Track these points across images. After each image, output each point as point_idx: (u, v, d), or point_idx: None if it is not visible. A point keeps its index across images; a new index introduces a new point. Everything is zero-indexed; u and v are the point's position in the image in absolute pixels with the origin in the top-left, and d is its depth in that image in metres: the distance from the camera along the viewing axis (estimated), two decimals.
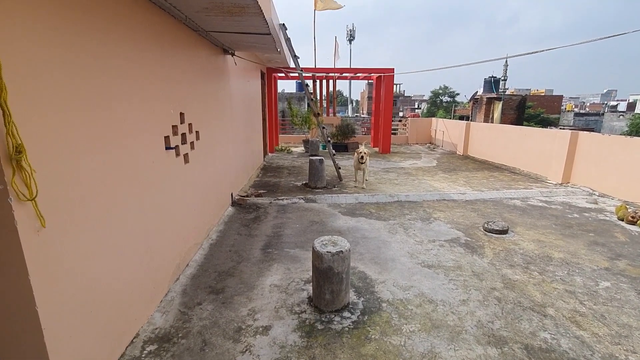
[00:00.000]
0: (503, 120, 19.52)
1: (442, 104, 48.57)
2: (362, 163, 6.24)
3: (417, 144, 13.80)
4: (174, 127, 3.02)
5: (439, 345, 2.28)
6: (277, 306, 2.71)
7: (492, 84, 21.47)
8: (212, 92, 4.25)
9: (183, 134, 3.24)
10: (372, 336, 2.36)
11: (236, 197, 5.45)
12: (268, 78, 9.92)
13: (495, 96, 19.67)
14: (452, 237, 4.14)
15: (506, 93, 23.31)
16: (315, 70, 10.71)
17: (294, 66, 7.07)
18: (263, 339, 2.32)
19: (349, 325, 2.47)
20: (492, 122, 20.20)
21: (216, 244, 3.86)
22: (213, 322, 2.51)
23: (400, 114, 45.01)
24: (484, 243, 3.96)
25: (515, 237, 4.15)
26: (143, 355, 2.17)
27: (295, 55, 6.43)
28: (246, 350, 2.22)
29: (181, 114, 3.19)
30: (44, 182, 1.51)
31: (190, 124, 3.41)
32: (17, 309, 1.46)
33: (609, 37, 3.88)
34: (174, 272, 3.00)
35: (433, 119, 14.16)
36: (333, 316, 2.57)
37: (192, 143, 3.46)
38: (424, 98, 61.71)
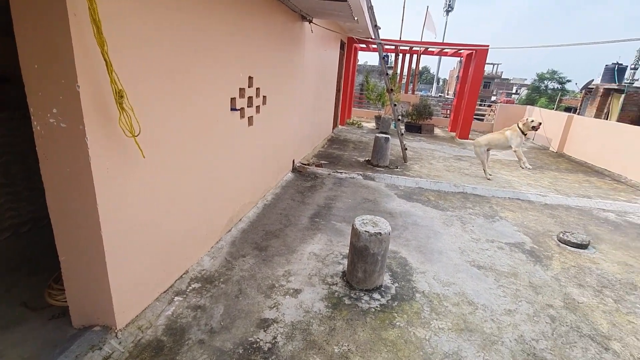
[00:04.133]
0: (622, 118, 16.29)
1: (546, 91, 42.29)
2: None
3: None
4: (241, 89, 3.17)
5: (467, 349, 2.14)
6: (312, 273, 2.80)
7: (615, 72, 17.80)
8: (285, 59, 4.32)
9: (250, 98, 3.39)
10: (397, 323, 2.31)
11: (297, 164, 5.62)
12: (348, 48, 9.69)
13: (617, 87, 16.40)
14: (515, 240, 3.73)
15: (633, 85, 19.17)
16: (398, 42, 10.11)
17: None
18: (291, 300, 2.45)
19: (376, 307, 2.46)
20: (606, 118, 17.05)
21: (270, 205, 4.09)
22: (251, 275, 2.71)
23: (494, 98, 40.51)
24: (553, 254, 3.50)
25: (595, 255, 3.57)
26: (188, 290, 2.47)
27: (376, 25, 6.12)
28: (274, 307, 2.36)
29: (250, 78, 3.32)
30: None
31: (258, 88, 3.54)
32: (86, 233, 1.75)
33: None
34: (227, 223, 3.28)
35: (528, 107, 12.48)
36: (362, 295, 2.57)
37: (257, 107, 3.61)
38: (526, 82, 54.34)
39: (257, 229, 3.49)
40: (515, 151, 5.77)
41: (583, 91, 19.46)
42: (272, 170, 4.48)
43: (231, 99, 3.00)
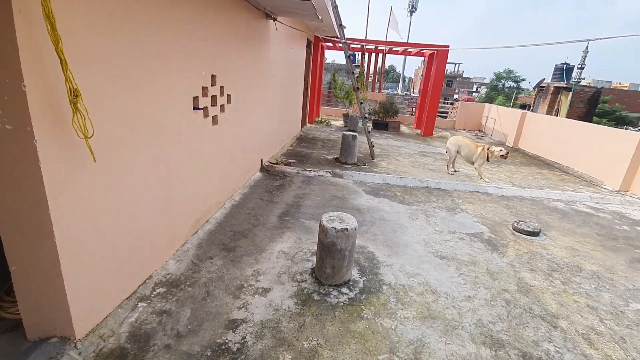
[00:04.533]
0: (570, 114, 17.61)
1: (503, 90, 44.76)
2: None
3: (464, 130, 13.01)
4: (204, 88, 3.11)
5: (430, 335, 2.25)
6: (281, 272, 2.81)
7: (564, 71, 19.22)
8: (250, 57, 4.28)
9: (213, 96, 3.33)
10: (365, 315, 2.39)
11: (266, 164, 5.58)
12: (315, 47, 9.73)
13: (565, 86, 17.70)
14: (475, 231, 3.95)
15: (580, 83, 20.80)
16: (363, 41, 10.29)
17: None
18: (260, 300, 2.45)
19: (345, 301, 2.52)
20: (556, 114, 18.33)
21: (238, 206, 4.04)
22: (219, 276, 2.68)
23: (456, 96, 42.23)
24: (508, 242, 3.74)
25: (546, 241, 3.86)
26: (152, 295, 2.40)
27: (341, 25, 6.20)
28: (243, 307, 2.35)
29: (213, 76, 3.26)
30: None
31: (222, 87, 3.49)
32: (37, 240, 1.65)
33: None
34: (193, 225, 3.21)
35: (486, 104, 13.17)
36: (331, 290, 2.62)
37: (222, 106, 3.55)
38: (485, 81, 57.16)
39: (225, 229, 3.44)
40: (475, 168, 6.10)
41: (536, 89, 20.80)
42: (239, 169, 4.43)
43: (193, 97, 2.93)
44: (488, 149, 5.84)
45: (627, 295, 2.96)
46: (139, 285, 2.44)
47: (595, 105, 18.50)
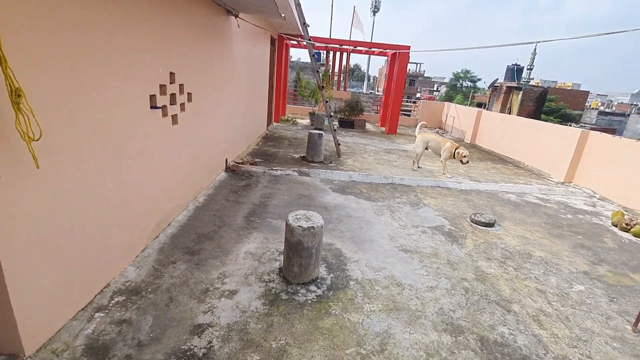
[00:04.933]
0: (520, 112, 18.84)
1: (461, 89, 47.04)
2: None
3: (426, 127, 13.50)
4: (162, 86, 2.98)
5: (395, 327, 2.33)
6: (248, 273, 2.78)
7: (514, 72, 20.57)
8: (210, 54, 4.16)
9: (172, 95, 3.21)
10: (333, 311, 2.42)
11: (231, 163, 5.47)
12: (279, 45, 9.65)
13: (516, 85, 18.91)
14: (436, 224, 4.13)
15: (530, 83, 22.32)
16: (327, 40, 10.36)
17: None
18: (227, 302, 2.40)
19: (313, 298, 2.54)
20: (509, 112, 19.53)
21: (202, 207, 3.93)
22: (183, 281, 2.59)
23: (418, 95, 43.75)
24: (466, 234, 3.95)
25: (500, 232, 4.12)
26: (110, 305, 2.27)
27: (304, 23, 6.20)
28: (208, 311, 2.30)
29: (171, 74, 3.14)
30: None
31: (181, 85, 3.37)
32: None
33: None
34: (153, 229, 3.08)
35: (446, 103, 13.76)
36: (299, 288, 2.63)
37: (182, 104, 3.43)
38: (445, 81, 59.69)
39: (189, 232, 3.34)
40: (441, 161, 6.39)
41: (490, 89, 22.01)
42: (203, 170, 4.31)
43: (150, 96, 2.81)
44: (457, 148, 6.12)
45: (571, 278, 3.24)
46: (96, 295, 2.31)
47: (543, 104, 19.95)
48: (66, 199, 1.96)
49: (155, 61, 2.83)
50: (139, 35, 2.56)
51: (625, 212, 5.04)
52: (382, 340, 2.20)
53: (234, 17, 4.79)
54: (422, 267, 3.12)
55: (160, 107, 2.96)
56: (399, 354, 2.10)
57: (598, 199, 5.91)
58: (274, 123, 10.54)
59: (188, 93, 3.55)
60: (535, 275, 3.22)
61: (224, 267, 2.83)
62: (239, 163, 5.67)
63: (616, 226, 4.72)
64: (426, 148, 6.57)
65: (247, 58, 6.04)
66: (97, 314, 2.18)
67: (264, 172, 5.44)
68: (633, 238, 4.40)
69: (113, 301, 2.31)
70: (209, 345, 2.01)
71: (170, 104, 3.18)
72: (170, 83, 3.14)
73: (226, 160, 5.32)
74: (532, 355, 2.22)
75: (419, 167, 6.74)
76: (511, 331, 2.43)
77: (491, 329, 2.43)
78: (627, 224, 4.60)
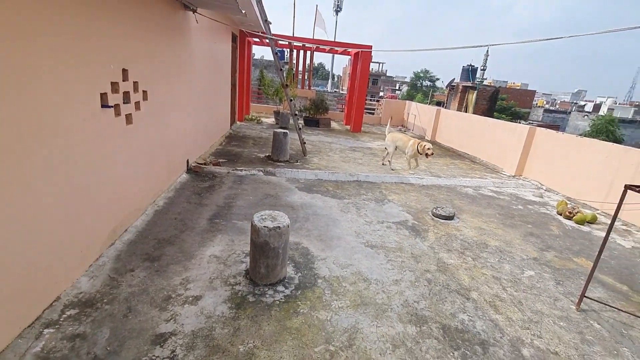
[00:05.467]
0: (475, 110, 19.96)
1: (422, 88, 48.86)
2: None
3: (389, 125, 13.87)
4: (114, 84, 2.81)
5: (363, 321, 2.37)
6: (213, 277, 2.70)
7: (469, 72, 21.74)
8: (168, 50, 3.98)
9: (126, 93, 3.03)
10: (301, 310, 2.42)
11: (192, 164, 5.28)
12: (241, 42, 9.45)
13: (471, 85, 19.98)
14: (400, 219, 4.26)
15: (483, 83, 23.72)
16: (290, 38, 10.30)
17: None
18: (191, 309, 2.32)
19: (281, 299, 2.52)
20: (465, 110, 20.61)
21: (162, 211, 3.75)
22: (143, 289, 2.47)
23: (381, 94, 44.84)
24: (429, 227, 4.11)
25: (459, 224, 4.33)
26: (61, 319, 2.11)
27: (266, 20, 6.11)
28: (171, 319, 2.21)
29: (124, 71, 2.96)
30: None
31: (135, 82, 3.19)
32: None
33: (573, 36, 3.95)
34: (108, 236, 2.90)
35: (407, 102, 14.22)
36: (267, 289, 2.60)
37: (137, 103, 3.25)
38: (406, 80, 61.65)
39: (148, 238, 3.18)
40: (406, 158, 6.62)
41: (448, 88, 23.07)
42: (162, 172, 4.12)
43: (101, 94, 2.63)
44: (419, 144, 6.36)
45: (523, 265, 3.48)
46: (44, 310, 2.13)
47: (496, 102, 21.27)
48: (5, 209, 1.78)
49: (106, 57, 2.66)
50: (90, 30, 2.38)
51: (568, 202, 5.50)
52: (350, 335, 2.23)
53: (191, 12, 4.61)
54: (388, 262, 3.21)
55: (112, 106, 2.78)
56: (367, 348, 2.14)
57: (545, 190, 6.40)
58: (238, 122, 10.31)
59: (143, 91, 3.37)
60: (491, 263, 3.42)
61: (187, 272, 2.73)
62: (202, 164, 5.49)
63: (561, 215, 5.14)
64: (396, 147, 6.76)
65: (208, 54, 5.85)
66: (46, 330, 2.01)
67: (228, 172, 5.31)
68: (575, 225, 4.81)
69: (64, 315, 2.14)
70: (172, 355, 1.93)
71: (124, 103, 3.00)
72: (123, 80, 2.96)
73: (187, 161, 5.13)
74: (490, 339, 2.36)
75: (392, 170, 6.77)
76: (470, 318, 2.56)
77: (452, 316, 2.55)
78: (570, 212, 5.02)
